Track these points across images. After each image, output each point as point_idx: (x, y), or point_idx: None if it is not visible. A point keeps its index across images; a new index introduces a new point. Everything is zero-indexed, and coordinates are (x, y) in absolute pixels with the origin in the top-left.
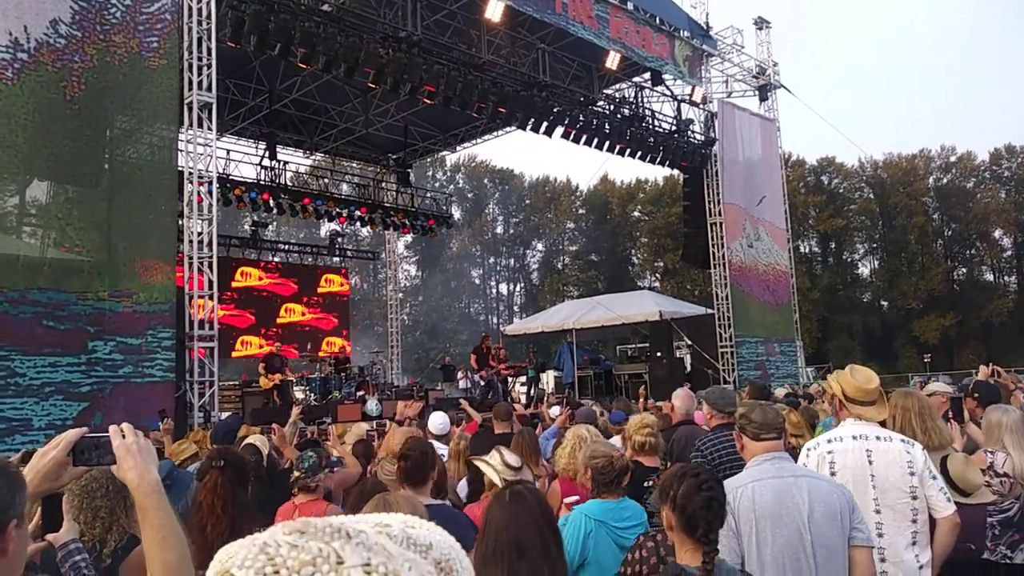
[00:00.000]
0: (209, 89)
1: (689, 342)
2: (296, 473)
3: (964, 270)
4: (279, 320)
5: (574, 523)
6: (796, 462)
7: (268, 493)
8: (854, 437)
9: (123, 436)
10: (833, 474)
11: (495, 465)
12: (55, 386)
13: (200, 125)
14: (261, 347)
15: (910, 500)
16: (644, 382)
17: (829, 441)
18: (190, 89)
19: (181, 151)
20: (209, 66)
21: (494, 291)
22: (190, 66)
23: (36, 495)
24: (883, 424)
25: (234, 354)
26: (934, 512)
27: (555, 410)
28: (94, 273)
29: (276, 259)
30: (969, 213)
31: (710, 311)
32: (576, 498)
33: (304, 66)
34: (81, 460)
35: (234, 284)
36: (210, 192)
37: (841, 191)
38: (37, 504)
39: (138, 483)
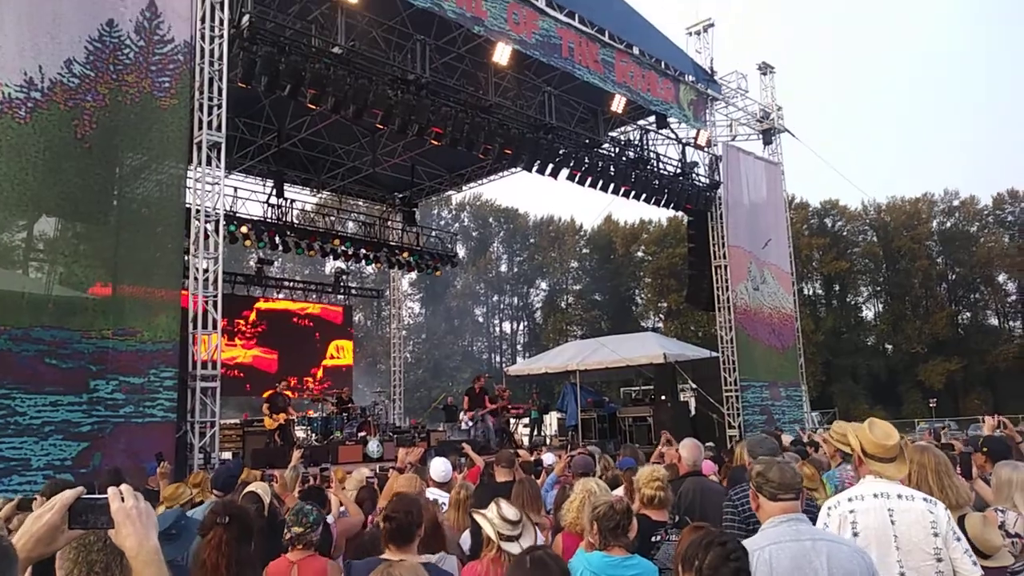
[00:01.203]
0: (219, 129)
1: (694, 385)
2: (298, 529)
3: (968, 314)
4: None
5: (573, 570)
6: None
7: (269, 545)
8: (875, 495)
9: (122, 499)
10: (855, 535)
11: (492, 519)
12: (55, 425)
13: (209, 163)
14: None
15: (935, 563)
16: (649, 425)
17: (850, 500)
18: (200, 128)
19: (189, 188)
20: (220, 106)
21: (497, 329)
22: (200, 106)
23: (29, 560)
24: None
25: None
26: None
27: (549, 457)
28: (99, 311)
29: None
30: (973, 257)
31: (715, 354)
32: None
33: (313, 107)
34: (78, 523)
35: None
36: (216, 230)
37: (844, 234)
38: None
39: (137, 551)
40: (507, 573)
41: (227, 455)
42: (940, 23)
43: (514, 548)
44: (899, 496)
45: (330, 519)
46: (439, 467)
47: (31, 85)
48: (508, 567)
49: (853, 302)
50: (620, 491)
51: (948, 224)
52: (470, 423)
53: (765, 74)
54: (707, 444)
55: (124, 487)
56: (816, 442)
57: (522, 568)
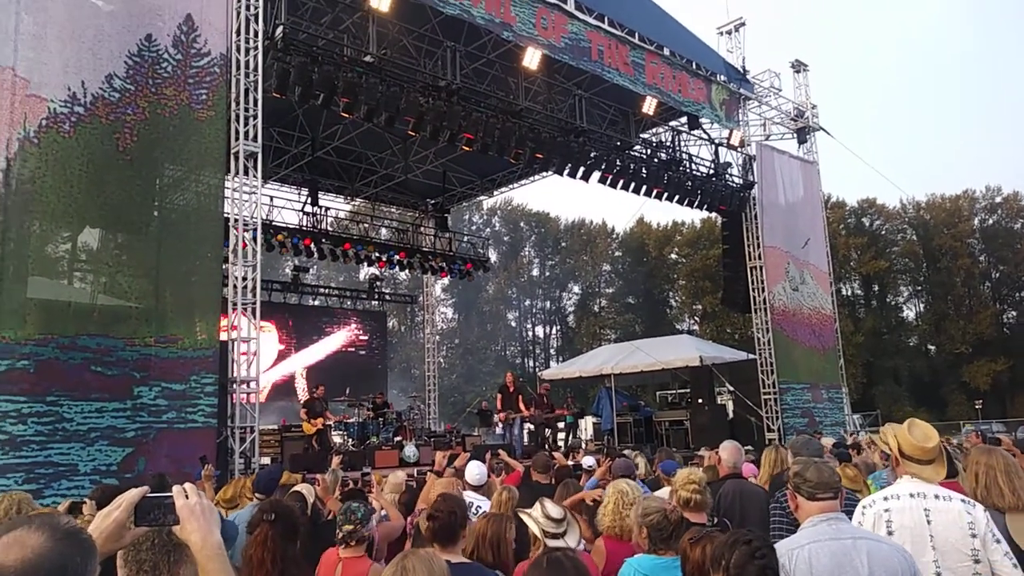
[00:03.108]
0: (255, 139)
1: (731, 388)
2: (348, 527)
3: (1015, 313)
4: None
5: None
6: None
7: (312, 544)
8: (912, 495)
9: (186, 496)
10: (890, 533)
11: (537, 518)
12: (101, 431)
13: (246, 173)
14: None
15: (972, 564)
16: (686, 429)
17: (886, 499)
18: (237, 139)
19: (227, 198)
20: (255, 116)
21: (530, 334)
22: (237, 117)
23: (100, 556)
24: (947, 482)
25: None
26: None
27: (588, 460)
28: (142, 319)
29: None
30: (1017, 255)
31: (752, 356)
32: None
33: (346, 115)
34: (144, 521)
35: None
36: (254, 238)
37: (883, 233)
38: None
39: (201, 545)
40: (525, 573)
41: (266, 460)
42: (980, 16)
43: (560, 545)
44: (936, 496)
45: (372, 522)
46: (474, 470)
47: (74, 100)
48: (528, 566)
49: (893, 302)
50: (665, 492)
51: (991, 221)
52: (499, 424)
53: (799, 72)
54: (746, 447)
55: (188, 485)
56: (859, 444)
57: (539, 568)
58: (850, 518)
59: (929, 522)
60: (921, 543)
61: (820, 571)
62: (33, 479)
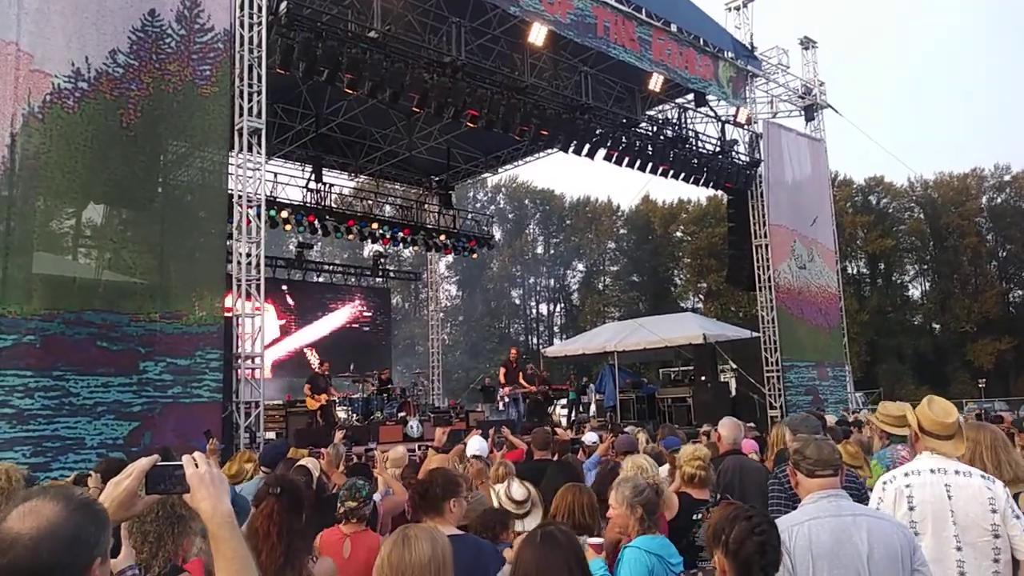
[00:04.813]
0: (259, 115)
1: (734, 366)
2: (352, 503)
3: (1020, 292)
4: None
5: (637, 560)
6: (865, 493)
7: (318, 517)
8: (932, 471)
9: (196, 465)
10: (911, 508)
11: (502, 499)
12: (107, 406)
13: (250, 150)
14: None
15: (992, 539)
16: (689, 406)
17: (906, 475)
18: (240, 115)
19: (231, 174)
20: (259, 93)
21: (534, 311)
22: (241, 93)
23: (112, 524)
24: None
25: None
26: (1016, 553)
27: (591, 436)
28: (146, 295)
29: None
30: None
31: (756, 334)
32: (600, 540)
33: (350, 91)
34: (155, 489)
35: None
36: (258, 215)
37: (890, 211)
38: None
39: (212, 513)
40: (518, 547)
41: (271, 435)
42: None
43: (518, 526)
44: (956, 472)
45: (377, 497)
46: (475, 445)
47: (78, 76)
48: (521, 541)
49: (899, 281)
50: (665, 470)
51: (999, 200)
52: (506, 398)
53: (807, 49)
54: (747, 424)
55: (197, 454)
56: (860, 422)
57: (532, 543)
58: (850, 495)
59: (950, 497)
60: (942, 518)
61: (820, 548)
62: (40, 452)
